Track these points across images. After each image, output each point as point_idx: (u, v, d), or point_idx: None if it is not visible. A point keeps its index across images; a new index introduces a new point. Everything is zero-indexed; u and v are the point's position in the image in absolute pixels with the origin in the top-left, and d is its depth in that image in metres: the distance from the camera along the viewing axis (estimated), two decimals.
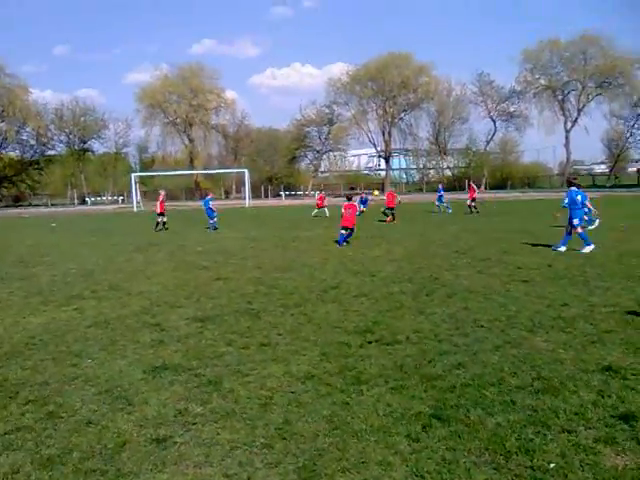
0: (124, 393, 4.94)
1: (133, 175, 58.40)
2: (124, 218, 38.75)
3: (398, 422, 4.16)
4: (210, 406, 4.61)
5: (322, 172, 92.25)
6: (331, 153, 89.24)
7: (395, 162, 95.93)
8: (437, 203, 31.76)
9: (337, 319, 7.30)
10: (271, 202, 65.08)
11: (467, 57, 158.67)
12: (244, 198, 57.75)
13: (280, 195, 77.25)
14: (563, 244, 13.38)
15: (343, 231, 16.40)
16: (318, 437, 3.99)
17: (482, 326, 6.72)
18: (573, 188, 13.71)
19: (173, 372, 5.43)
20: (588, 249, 12.90)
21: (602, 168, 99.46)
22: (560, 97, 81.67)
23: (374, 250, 14.70)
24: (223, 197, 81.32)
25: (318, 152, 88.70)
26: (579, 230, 13.45)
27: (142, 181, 68.81)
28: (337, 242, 16.27)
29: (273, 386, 5.00)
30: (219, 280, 10.61)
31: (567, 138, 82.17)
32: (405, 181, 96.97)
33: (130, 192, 60.03)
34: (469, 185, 31.70)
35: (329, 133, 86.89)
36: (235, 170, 74.83)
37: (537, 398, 4.47)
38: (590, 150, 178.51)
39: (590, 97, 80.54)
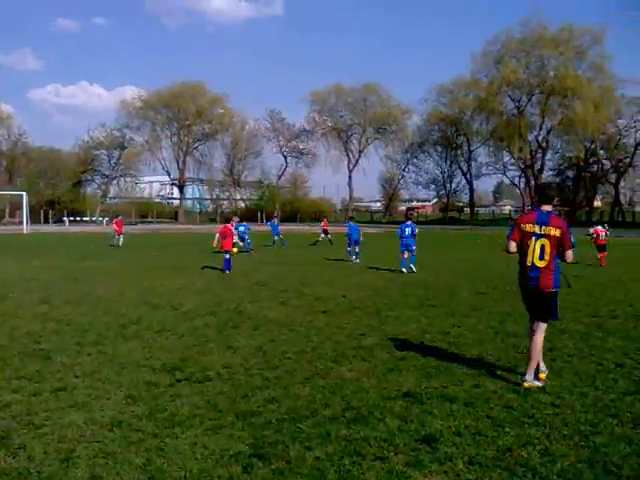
0: None
1: None
2: None
3: (218, 465, 4.02)
4: None
5: (111, 198, 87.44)
6: (122, 179, 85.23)
7: (189, 191, 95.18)
8: (275, 236, 30.49)
9: (141, 357, 6.88)
10: (53, 228, 59.80)
11: (261, 93, 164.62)
12: (20, 223, 52.25)
13: (63, 221, 71.32)
14: (403, 265, 16.28)
15: (227, 255, 16.31)
16: None
17: (290, 358, 6.86)
18: (408, 222, 16.91)
19: None
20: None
21: (378, 206, 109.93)
22: (344, 139, 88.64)
23: (174, 281, 14.25)
24: None
25: (107, 177, 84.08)
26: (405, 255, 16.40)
27: None
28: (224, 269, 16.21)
29: (74, 437, 4.50)
30: None
31: (350, 177, 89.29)
32: (199, 210, 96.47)
33: None
34: (323, 220, 35.98)
35: (120, 158, 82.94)
36: (10, 192, 67.24)
37: (350, 428, 4.66)
38: (369, 189, 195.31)
39: (369, 141, 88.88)
